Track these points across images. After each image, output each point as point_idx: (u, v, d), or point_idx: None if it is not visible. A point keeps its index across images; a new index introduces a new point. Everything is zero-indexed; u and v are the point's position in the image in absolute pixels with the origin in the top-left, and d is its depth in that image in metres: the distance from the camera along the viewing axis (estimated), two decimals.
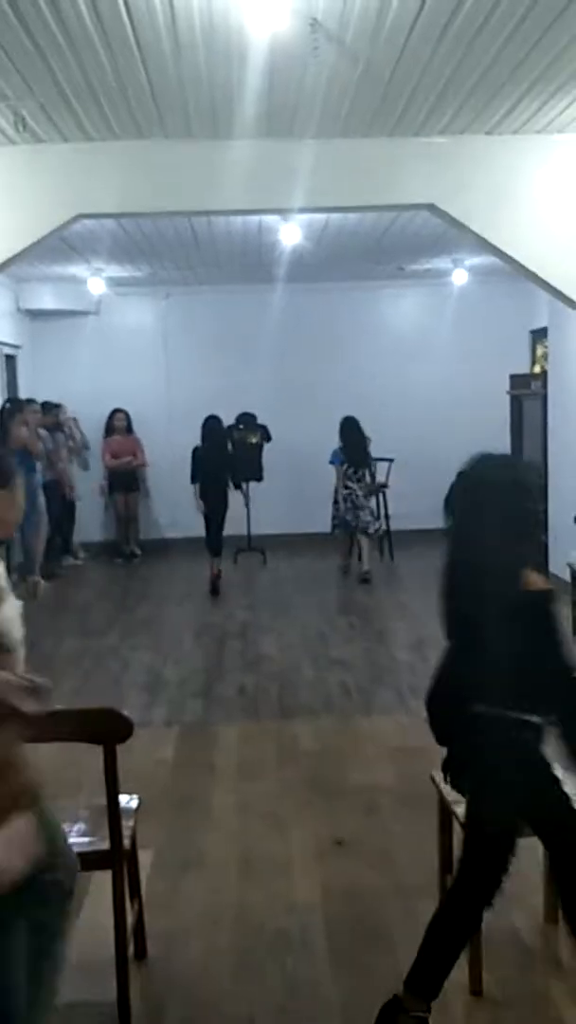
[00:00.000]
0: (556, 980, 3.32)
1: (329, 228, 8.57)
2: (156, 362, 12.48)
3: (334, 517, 10.67)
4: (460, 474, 3.05)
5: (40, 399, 10.96)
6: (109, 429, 12.12)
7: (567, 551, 8.30)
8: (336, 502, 10.53)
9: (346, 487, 10.33)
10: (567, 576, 8.13)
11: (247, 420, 11.34)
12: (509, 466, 3.32)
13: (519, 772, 2.89)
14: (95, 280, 11.01)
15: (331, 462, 10.62)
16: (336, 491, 10.51)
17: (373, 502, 10.66)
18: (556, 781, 2.95)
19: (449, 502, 3.08)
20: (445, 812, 3.54)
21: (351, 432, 10.39)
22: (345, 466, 10.38)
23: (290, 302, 12.00)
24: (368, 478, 10.52)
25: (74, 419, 11.53)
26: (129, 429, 12.15)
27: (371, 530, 10.42)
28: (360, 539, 10.28)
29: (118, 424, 12.08)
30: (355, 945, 3.55)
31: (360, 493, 10.29)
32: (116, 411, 12.10)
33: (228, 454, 10.24)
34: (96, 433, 12.04)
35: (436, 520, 3.28)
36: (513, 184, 5.81)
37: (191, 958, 3.51)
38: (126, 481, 12.11)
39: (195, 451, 9.85)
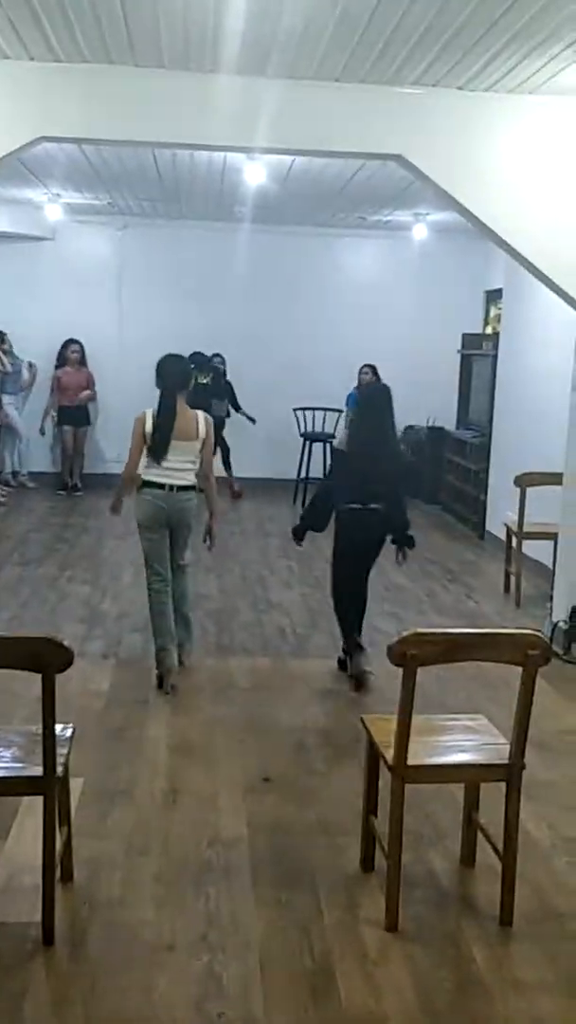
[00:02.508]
0: (469, 920, 3.46)
1: (294, 171, 8.48)
2: (110, 294, 12.30)
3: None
4: (360, 395, 6.21)
5: None
6: (61, 359, 11.86)
7: (504, 511, 8.45)
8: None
9: None
10: (503, 535, 8.28)
11: (199, 360, 11.28)
12: (387, 390, 5.97)
13: (374, 528, 5.74)
14: (52, 206, 10.79)
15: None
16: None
17: None
18: (383, 538, 5.81)
19: (362, 415, 6.07)
20: (373, 754, 3.64)
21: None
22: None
23: (249, 243, 11.89)
24: None
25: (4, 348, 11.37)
26: (82, 361, 11.91)
27: None
28: None
29: (71, 356, 11.82)
30: (277, 880, 3.65)
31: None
32: (70, 342, 11.83)
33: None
34: (46, 361, 11.88)
35: None
36: (482, 142, 5.80)
37: (115, 885, 3.58)
38: (76, 416, 11.88)
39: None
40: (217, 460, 10.83)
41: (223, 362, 11.61)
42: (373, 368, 11.04)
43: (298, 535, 6.00)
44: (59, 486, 11.73)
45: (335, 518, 5.76)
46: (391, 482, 5.75)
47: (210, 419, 5.67)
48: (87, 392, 11.88)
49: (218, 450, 11.17)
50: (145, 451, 5.46)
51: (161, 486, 5.44)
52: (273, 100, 5.55)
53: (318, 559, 8.65)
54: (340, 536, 5.79)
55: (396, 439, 6.15)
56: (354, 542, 5.73)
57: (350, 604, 5.87)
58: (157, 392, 5.55)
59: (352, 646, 5.75)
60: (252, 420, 11.58)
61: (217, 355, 11.58)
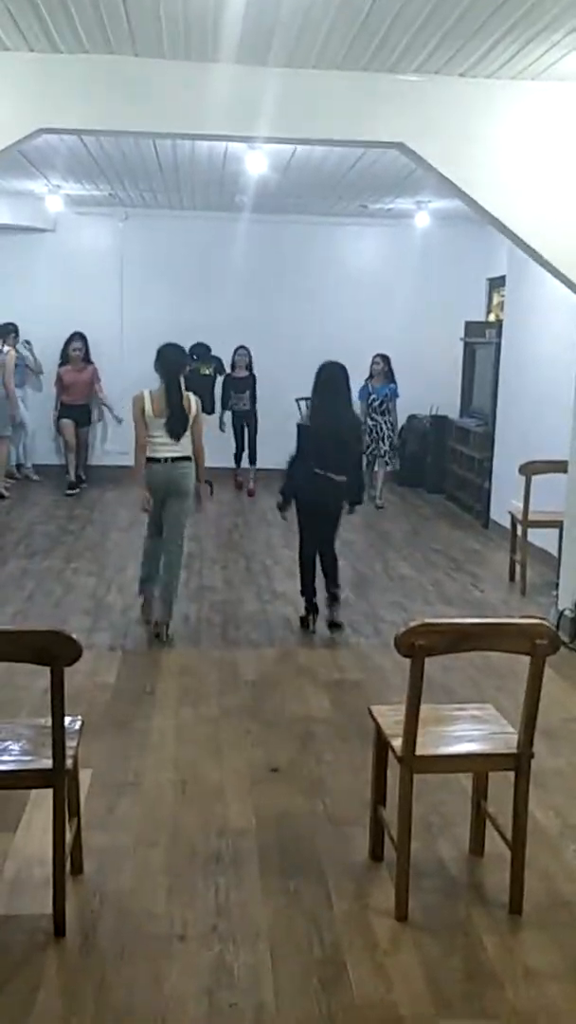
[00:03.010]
0: (478, 909, 3.47)
1: (295, 160, 8.45)
2: (111, 285, 12.27)
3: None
4: (319, 372, 6.38)
5: None
6: (64, 357, 11.61)
7: (509, 499, 8.44)
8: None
9: (372, 419, 10.94)
10: (508, 523, 8.28)
11: (201, 351, 11.28)
12: (342, 367, 6.38)
13: (330, 496, 6.37)
14: (53, 197, 10.77)
15: (358, 398, 10.60)
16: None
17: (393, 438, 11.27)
18: (342, 507, 6.45)
19: (315, 389, 6.39)
20: (381, 744, 3.64)
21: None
22: (372, 398, 10.95)
23: (251, 232, 11.87)
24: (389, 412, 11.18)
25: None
26: (86, 358, 11.62)
27: (388, 458, 11.07)
28: (378, 469, 10.97)
29: (74, 354, 11.53)
30: (285, 870, 3.66)
31: (384, 426, 11.01)
32: (72, 338, 11.57)
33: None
34: (49, 353, 11.84)
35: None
36: (483, 129, 5.77)
37: (125, 876, 3.60)
38: (77, 414, 11.60)
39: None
40: (223, 449, 10.94)
41: (247, 353, 11.53)
42: (385, 358, 11.06)
43: (282, 507, 6.69)
44: (67, 486, 11.31)
45: (299, 487, 6.39)
46: (351, 449, 6.49)
47: (198, 400, 6.40)
48: (99, 390, 11.66)
49: (246, 446, 11.58)
50: (149, 430, 6.17)
51: (160, 459, 6.16)
52: (274, 89, 5.53)
53: None
54: (303, 502, 6.42)
55: (352, 411, 6.72)
56: (315, 506, 6.38)
57: (314, 566, 6.55)
58: (157, 376, 6.27)
59: (331, 604, 6.55)
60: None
61: (242, 347, 11.53)
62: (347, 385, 6.39)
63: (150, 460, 6.19)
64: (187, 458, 6.23)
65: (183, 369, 6.42)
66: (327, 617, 6.56)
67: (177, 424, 6.14)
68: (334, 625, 6.52)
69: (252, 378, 11.51)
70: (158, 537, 6.46)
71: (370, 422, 10.95)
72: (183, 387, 6.25)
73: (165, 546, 6.38)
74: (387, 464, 11.17)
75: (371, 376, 11.05)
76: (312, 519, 6.47)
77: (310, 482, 6.28)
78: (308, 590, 6.59)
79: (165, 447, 6.16)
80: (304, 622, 6.59)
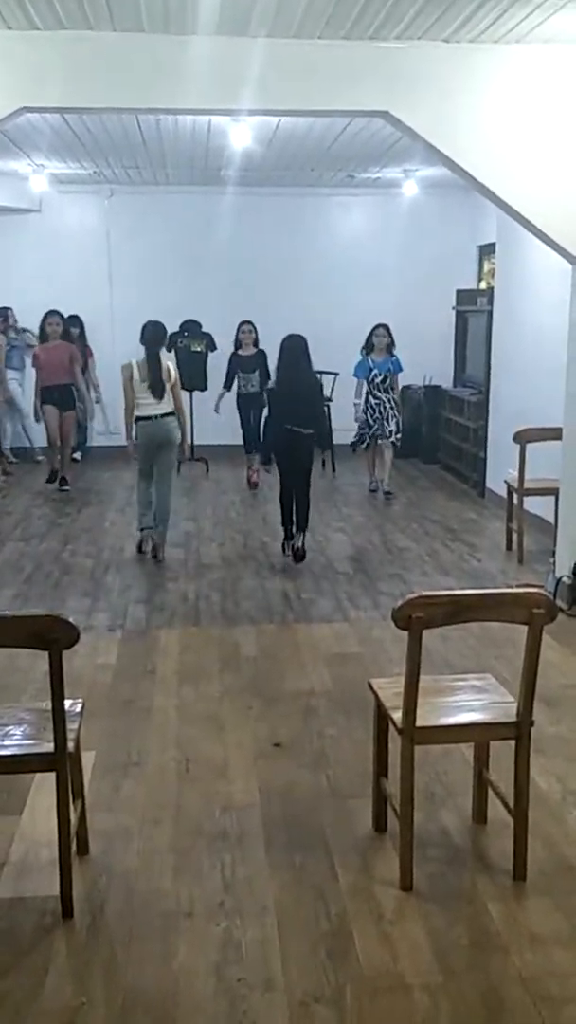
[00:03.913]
0: (482, 877, 3.49)
1: (280, 132, 8.38)
2: (99, 263, 12.20)
3: (359, 431, 10.08)
4: (281, 345, 7.51)
5: None
6: (43, 335, 10.37)
7: (504, 468, 8.43)
8: (362, 416, 10.01)
9: (375, 397, 9.91)
10: (503, 492, 8.27)
11: (192, 328, 11.19)
12: (302, 338, 7.49)
13: (302, 447, 7.45)
14: (37, 177, 10.68)
15: (355, 375, 10.05)
16: (359, 405, 9.99)
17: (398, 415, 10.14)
18: (311, 453, 7.56)
19: (280, 359, 7.53)
20: (381, 717, 3.65)
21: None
22: (373, 373, 9.90)
23: (238, 206, 11.80)
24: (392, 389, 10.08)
25: None
26: (66, 335, 10.93)
27: (394, 439, 10.03)
28: (384, 452, 10.06)
29: (50, 330, 10.22)
30: (291, 844, 3.68)
31: (388, 404, 9.95)
32: (48, 315, 10.31)
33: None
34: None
35: None
36: (468, 94, 5.72)
37: (131, 856, 3.61)
38: (59, 397, 10.21)
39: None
40: (222, 426, 10.75)
41: (253, 328, 10.42)
42: (387, 328, 10.03)
43: (266, 463, 7.82)
44: (48, 476, 10.54)
45: (274, 442, 7.62)
46: (313, 404, 7.62)
47: (175, 368, 7.70)
48: (78, 375, 10.46)
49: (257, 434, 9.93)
50: (136, 394, 7.46)
51: (149, 417, 7.47)
52: (255, 60, 5.47)
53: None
54: (279, 454, 7.61)
55: (312, 373, 7.68)
56: (289, 455, 7.56)
57: (291, 505, 7.72)
58: (142, 348, 7.57)
59: (296, 533, 7.69)
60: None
61: (247, 322, 10.45)
62: (306, 353, 7.50)
63: (141, 419, 7.49)
64: (171, 413, 7.53)
65: (163, 341, 7.74)
66: (292, 545, 7.70)
67: (157, 385, 7.42)
68: (296, 553, 7.63)
69: (262, 355, 10.23)
70: (149, 480, 7.72)
71: (373, 400, 9.91)
72: (161, 358, 7.51)
73: (157, 487, 7.67)
74: (395, 446, 10.15)
75: (370, 349, 10.02)
76: (287, 467, 7.65)
77: (282, 437, 7.48)
78: (286, 523, 7.79)
79: (150, 406, 7.45)
80: (283, 547, 7.86)
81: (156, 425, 7.46)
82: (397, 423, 10.06)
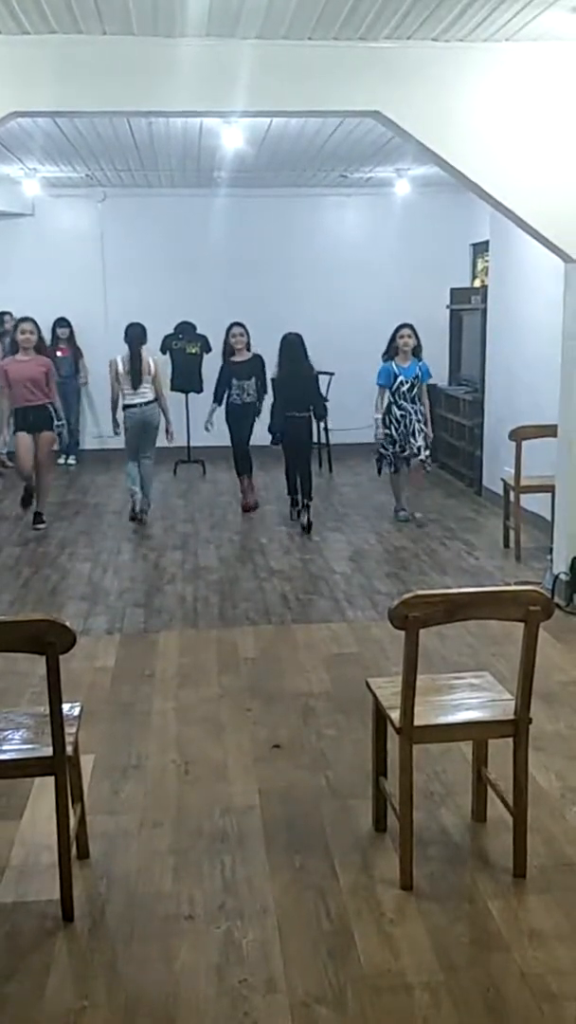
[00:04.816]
0: (483, 875, 3.49)
1: (272, 133, 8.39)
2: (94, 267, 12.21)
3: (380, 450, 8.83)
4: (282, 341, 8.72)
5: None
6: (14, 345, 8.75)
7: (500, 467, 8.43)
8: (385, 431, 8.71)
9: (399, 408, 8.60)
10: (500, 490, 8.27)
11: (186, 329, 11.19)
12: (299, 336, 8.67)
13: (302, 431, 8.82)
14: (30, 181, 10.68)
15: (378, 383, 8.76)
16: (379, 420, 8.72)
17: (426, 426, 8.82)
18: (311, 435, 9.05)
19: (281, 353, 8.70)
20: (380, 717, 3.66)
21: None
22: (399, 381, 8.62)
23: (231, 208, 11.80)
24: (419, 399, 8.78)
25: None
26: (55, 341, 10.77)
27: (423, 456, 8.71)
28: (409, 472, 8.88)
29: (22, 339, 8.51)
30: (291, 845, 3.68)
31: (414, 415, 8.65)
32: (20, 321, 8.74)
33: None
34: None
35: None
36: (459, 93, 5.73)
37: (132, 858, 3.61)
38: (34, 420, 8.51)
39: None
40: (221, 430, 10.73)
41: (245, 331, 9.24)
42: (412, 328, 8.72)
43: (276, 443, 8.86)
44: (23, 497, 9.05)
45: (280, 425, 8.69)
46: (310, 390, 8.76)
47: (157, 361, 9.19)
48: (40, 392, 8.51)
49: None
50: (121, 384, 8.83)
51: (135, 405, 8.84)
52: (245, 62, 5.48)
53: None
54: (285, 435, 8.73)
55: (307, 364, 8.69)
56: (292, 437, 8.74)
57: (295, 476, 8.97)
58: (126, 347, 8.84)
59: (302, 505, 8.80)
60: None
61: (236, 324, 9.30)
62: (303, 347, 8.64)
63: (128, 407, 8.83)
64: (152, 401, 8.87)
65: (143, 339, 8.92)
66: (300, 522, 8.72)
67: (137, 377, 8.76)
68: (304, 527, 8.60)
69: (258, 361, 9.20)
70: (136, 457, 9.00)
71: (397, 411, 8.58)
72: (143, 353, 8.82)
73: (141, 462, 9.00)
74: (425, 467, 8.88)
75: (394, 354, 8.72)
76: (290, 447, 8.87)
77: (286, 421, 8.66)
78: (292, 491, 9.13)
79: (135, 395, 8.79)
80: (291, 514, 9.14)
81: (141, 411, 8.84)
82: (426, 438, 8.71)
